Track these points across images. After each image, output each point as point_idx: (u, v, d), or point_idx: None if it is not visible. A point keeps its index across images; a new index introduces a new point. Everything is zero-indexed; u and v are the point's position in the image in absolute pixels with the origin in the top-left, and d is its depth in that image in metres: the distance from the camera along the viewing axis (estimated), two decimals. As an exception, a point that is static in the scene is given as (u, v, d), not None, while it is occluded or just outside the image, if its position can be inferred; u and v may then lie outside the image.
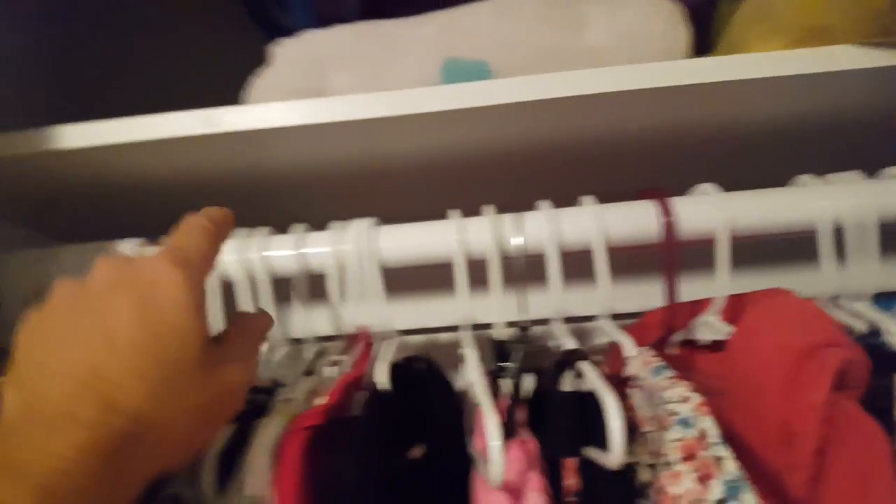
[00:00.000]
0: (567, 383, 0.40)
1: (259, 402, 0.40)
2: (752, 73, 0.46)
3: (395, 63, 0.47)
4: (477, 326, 0.47)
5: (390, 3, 0.50)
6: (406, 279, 0.51)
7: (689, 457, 0.31)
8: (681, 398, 0.33)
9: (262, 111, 0.46)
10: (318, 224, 0.50)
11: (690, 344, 0.48)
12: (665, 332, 0.49)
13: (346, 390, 0.39)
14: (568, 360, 0.41)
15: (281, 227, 0.50)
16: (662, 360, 0.38)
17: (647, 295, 0.63)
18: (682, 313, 0.49)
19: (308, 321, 0.48)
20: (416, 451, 0.44)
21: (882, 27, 0.43)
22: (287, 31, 0.50)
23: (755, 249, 0.54)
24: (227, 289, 0.48)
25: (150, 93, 0.80)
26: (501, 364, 0.42)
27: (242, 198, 0.63)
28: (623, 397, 0.41)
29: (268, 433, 0.34)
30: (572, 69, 0.45)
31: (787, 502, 0.31)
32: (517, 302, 0.47)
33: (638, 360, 0.40)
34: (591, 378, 0.37)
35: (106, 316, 0.27)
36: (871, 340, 0.39)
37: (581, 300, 0.47)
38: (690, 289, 0.47)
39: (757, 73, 0.46)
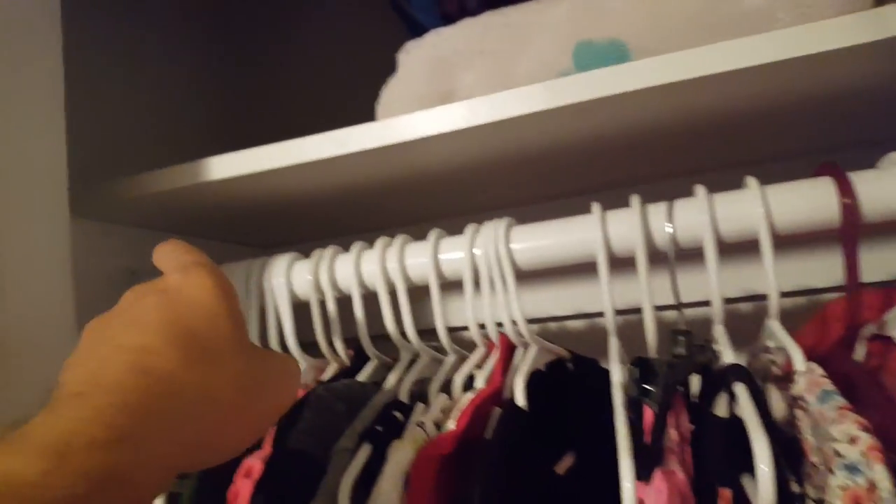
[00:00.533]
0: (723, 405, 0.36)
1: (397, 421, 0.40)
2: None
3: (524, 53, 0.44)
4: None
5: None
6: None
7: (856, 506, 0.26)
8: (848, 438, 0.28)
9: (383, 127, 0.46)
10: (449, 222, 0.49)
11: (884, 339, 0.41)
12: (851, 325, 0.42)
13: (479, 410, 0.38)
14: (724, 380, 0.36)
15: (411, 228, 0.50)
16: (832, 383, 0.32)
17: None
18: (872, 302, 0.42)
19: (445, 315, 0.48)
20: (564, 464, 0.43)
21: None
22: (422, 30, 0.50)
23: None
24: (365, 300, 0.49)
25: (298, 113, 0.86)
26: (646, 386, 0.38)
27: (373, 203, 0.65)
28: (791, 417, 0.36)
29: (398, 461, 0.34)
30: (725, 38, 0.39)
31: None
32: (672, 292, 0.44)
33: (805, 378, 0.34)
34: (747, 412, 0.33)
35: (134, 313, 0.29)
36: None
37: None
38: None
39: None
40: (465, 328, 0.48)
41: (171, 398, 0.25)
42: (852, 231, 0.40)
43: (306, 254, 0.52)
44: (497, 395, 0.41)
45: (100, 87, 0.63)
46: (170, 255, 0.33)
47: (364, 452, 0.37)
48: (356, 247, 0.50)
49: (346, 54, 0.85)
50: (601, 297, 0.43)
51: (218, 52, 0.85)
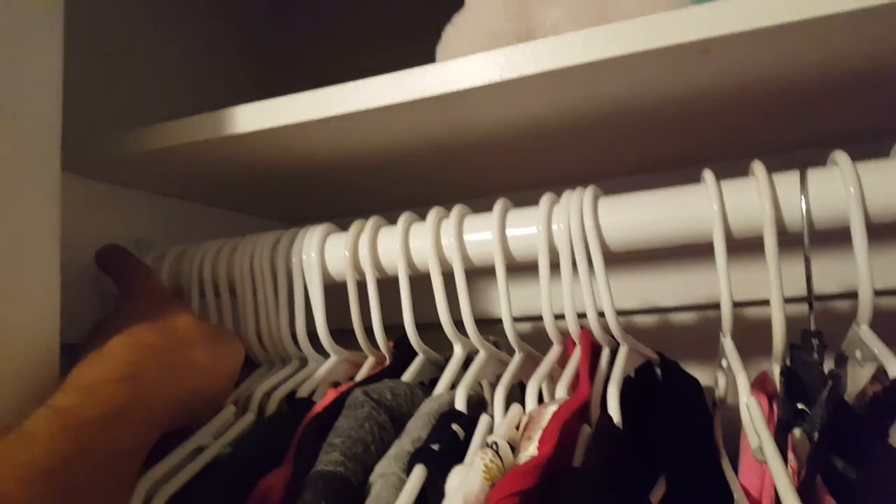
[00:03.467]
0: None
1: (457, 437, 0.32)
2: None
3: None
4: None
5: None
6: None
7: None
8: None
9: (443, 70, 0.38)
10: (514, 196, 0.41)
11: None
12: None
13: (566, 427, 0.29)
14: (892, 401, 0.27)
15: (469, 203, 0.42)
16: None
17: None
18: None
19: (516, 300, 0.40)
20: (658, 491, 0.34)
21: None
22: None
23: None
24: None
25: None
26: (799, 406, 0.29)
27: (425, 173, 0.56)
28: None
29: (464, 497, 0.25)
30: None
31: None
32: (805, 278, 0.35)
33: None
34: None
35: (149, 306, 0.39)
36: None
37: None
38: None
39: None
40: (533, 318, 0.40)
41: (157, 359, 0.34)
42: None
43: (344, 229, 0.44)
44: (585, 409, 0.32)
45: (119, 32, 0.55)
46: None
47: (416, 479, 0.29)
48: (405, 217, 0.42)
49: None
50: (719, 284, 0.34)
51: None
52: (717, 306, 0.35)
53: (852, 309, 0.33)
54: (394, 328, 0.43)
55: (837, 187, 0.33)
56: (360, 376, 0.43)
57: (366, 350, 0.44)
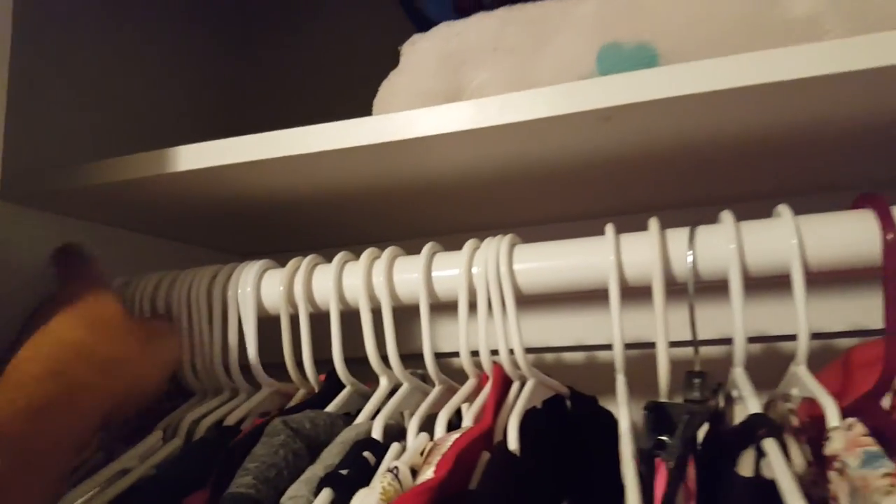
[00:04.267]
0: (748, 463, 0.30)
1: (367, 463, 0.34)
2: None
3: (543, 53, 0.40)
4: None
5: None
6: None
7: None
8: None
9: (379, 122, 0.41)
10: (449, 238, 0.44)
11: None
12: (886, 373, 0.37)
13: (464, 454, 0.32)
14: (750, 433, 0.31)
15: (406, 243, 0.45)
16: (877, 445, 0.27)
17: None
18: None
19: (436, 339, 0.43)
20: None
21: None
22: (431, 24, 0.45)
23: None
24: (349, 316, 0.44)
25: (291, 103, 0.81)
26: (662, 438, 0.33)
27: (365, 212, 0.60)
28: (823, 480, 0.31)
29: None
30: (768, 46, 0.35)
31: None
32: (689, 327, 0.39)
33: (843, 436, 0.29)
34: (780, 474, 0.27)
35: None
36: None
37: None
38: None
39: None
40: (455, 354, 0.42)
41: (84, 355, 0.36)
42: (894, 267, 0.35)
43: (285, 264, 0.47)
44: (487, 437, 0.35)
45: (77, 67, 0.57)
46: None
47: (322, 501, 0.31)
48: (339, 257, 0.45)
49: (346, 47, 0.81)
50: (611, 328, 0.38)
51: (204, 35, 0.79)
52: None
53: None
54: (326, 362, 0.46)
55: (721, 244, 0.37)
56: (288, 407, 0.45)
57: (297, 382, 0.47)
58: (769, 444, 0.30)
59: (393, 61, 0.47)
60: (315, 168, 0.46)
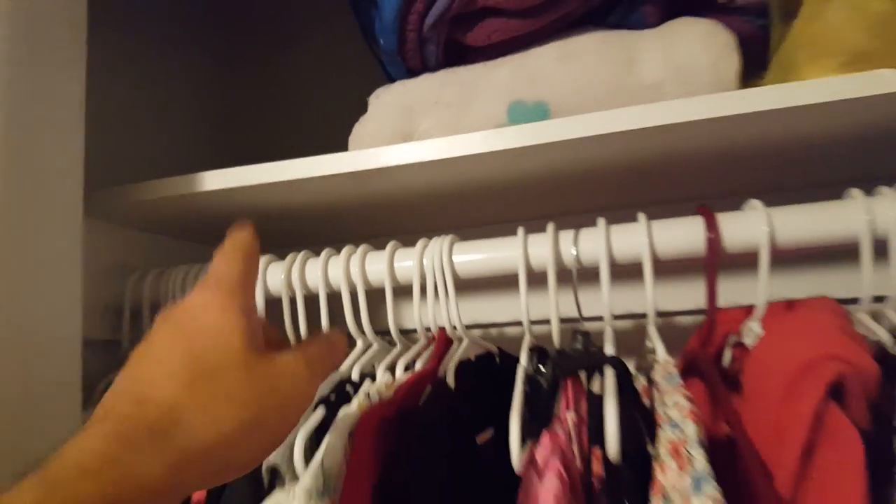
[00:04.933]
0: (597, 385, 0.47)
1: (348, 393, 0.50)
2: (800, 100, 0.49)
3: (470, 107, 0.56)
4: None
5: (470, 51, 0.58)
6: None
7: (674, 453, 0.37)
8: (675, 404, 0.39)
9: (353, 157, 0.57)
10: (407, 235, 0.60)
11: (742, 346, 0.52)
12: (718, 336, 0.54)
13: (414, 386, 0.48)
14: (598, 365, 0.47)
15: (374, 241, 0.61)
16: (675, 368, 0.44)
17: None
18: (737, 317, 0.53)
19: (397, 319, 0.59)
20: (485, 436, 0.53)
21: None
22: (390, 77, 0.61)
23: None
24: (332, 299, 0.59)
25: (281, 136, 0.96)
26: (541, 366, 0.49)
27: (344, 220, 0.75)
28: (650, 397, 0.47)
29: (345, 419, 0.44)
30: (629, 104, 0.51)
31: (776, 495, 0.36)
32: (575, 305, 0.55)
33: (661, 366, 0.45)
34: (606, 389, 0.44)
35: (153, 345, 0.32)
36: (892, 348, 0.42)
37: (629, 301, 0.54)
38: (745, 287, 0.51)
39: (806, 100, 0.49)
40: (414, 330, 0.58)
41: (169, 425, 0.28)
42: (714, 260, 0.51)
43: (285, 258, 0.62)
44: (431, 376, 0.51)
45: (111, 100, 0.72)
46: (214, 264, 0.35)
47: (318, 413, 0.47)
48: (325, 253, 0.60)
49: (336, 82, 0.96)
50: (520, 305, 0.54)
51: (220, 75, 0.95)
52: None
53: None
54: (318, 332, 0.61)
55: (599, 240, 0.53)
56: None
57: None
58: (607, 371, 0.46)
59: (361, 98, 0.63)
60: (309, 187, 0.61)
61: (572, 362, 0.49)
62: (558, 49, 0.55)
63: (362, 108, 0.62)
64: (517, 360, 0.61)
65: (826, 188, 0.52)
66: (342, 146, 0.60)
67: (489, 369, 0.58)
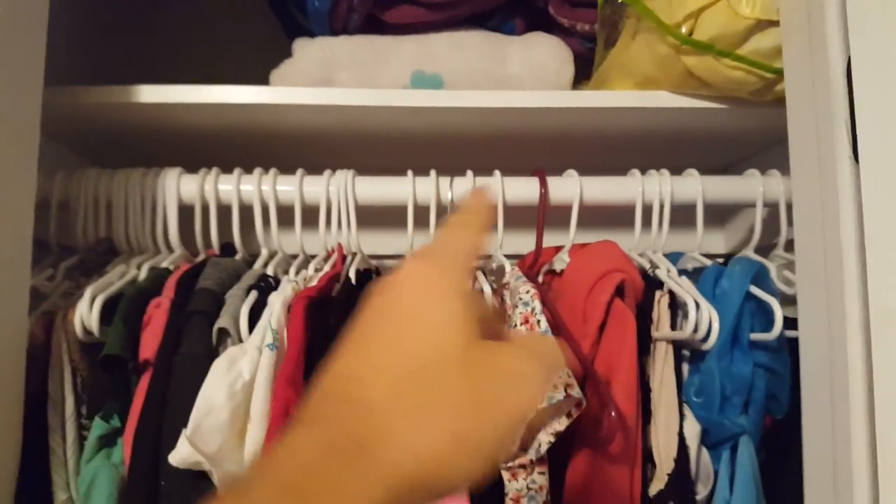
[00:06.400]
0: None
1: (271, 284, 0.62)
2: (601, 103, 0.72)
3: (382, 68, 0.70)
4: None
5: (384, 25, 0.72)
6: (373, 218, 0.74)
7: (525, 322, 0.57)
8: (526, 291, 0.59)
9: (292, 92, 0.68)
10: (319, 170, 0.72)
11: (552, 272, 0.74)
12: (531, 265, 0.75)
13: (329, 280, 0.62)
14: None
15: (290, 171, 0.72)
16: (522, 273, 0.64)
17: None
18: (551, 253, 0.75)
19: (304, 242, 0.71)
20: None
21: (688, 82, 0.69)
22: (304, 31, 0.72)
23: (603, 217, 0.80)
24: (245, 212, 0.69)
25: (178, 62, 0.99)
26: None
27: (265, 149, 0.84)
28: (501, 295, 0.66)
29: (284, 294, 0.56)
30: (498, 89, 0.69)
31: (581, 354, 0.57)
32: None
33: (511, 273, 0.65)
34: (480, 281, 0.62)
35: (361, 330, 0.28)
36: (650, 273, 0.66)
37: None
38: (560, 237, 0.73)
39: (604, 104, 0.72)
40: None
41: (371, 427, 0.24)
42: (544, 207, 0.72)
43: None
44: (338, 275, 0.65)
45: None
46: (442, 233, 0.31)
47: (253, 295, 0.58)
48: (237, 171, 0.70)
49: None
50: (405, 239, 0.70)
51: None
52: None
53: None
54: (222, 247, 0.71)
55: (468, 186, 0.71)
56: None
57: (202, 252, 0.71)
58: (479, 275, 0.65)
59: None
60: (233, 113, 0.70)
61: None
62: (452, 38, 0.72)
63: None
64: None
65: (622, 171, 0.76)
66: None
67: (373, 275, 0.73)
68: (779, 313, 0.57)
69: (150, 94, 0.67)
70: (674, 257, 0.73)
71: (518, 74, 0.73)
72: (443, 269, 0.29)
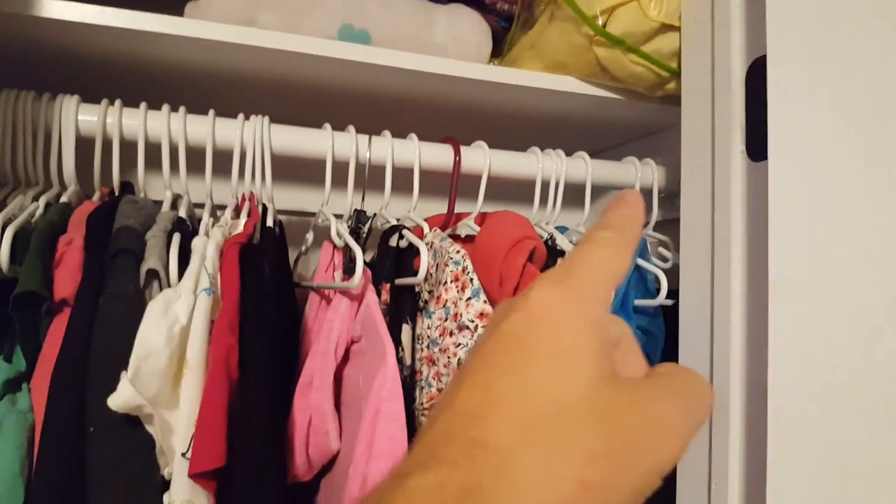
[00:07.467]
0: (393, 241, 0.68)
1: (188, 227, 0.60)
2: (518, 81, 0.77)
3: (308, 16, 0.69)
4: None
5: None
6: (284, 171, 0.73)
7: (455, 279, 0.61)
8: (455, 250, 0.63)
9: (216, 29, 0.65)
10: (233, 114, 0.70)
11: (456, 237, 0.78)
12: (443, 228, 0.79)
13: (253, 229, 0.61)
14: (395, 229, 0.68)
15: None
16: (448, 236, 0.68)
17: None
18: (453, 218, 0.79)
19: (214, 192, 0.68)
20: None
21: (595, 72, 0.76)
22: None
23: (506, 191, 0.86)
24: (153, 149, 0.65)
25: None
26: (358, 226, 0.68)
27: (181, 86, 0.78)
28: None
29: (216, 240, 0.55)
30: (422, 53, 0.71)
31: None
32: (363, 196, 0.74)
33: (433, 234, 0.69)
34: (412, 238, 0.65)
35: (482, 360, 0.26)
36: (549, 243, 0.73)
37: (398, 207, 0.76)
38: (465, 205, 0.77)
39: (521, 82, 0.77)
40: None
41: (500, 475, 0.22)
42: (457, 174, 0.76)
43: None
44: (257, 224, 0.64)
45: None
46: (581, 248, 0.28)
47: (177, 238, 0.56)
48: (143, 105, 0.65)
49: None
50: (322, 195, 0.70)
51: None
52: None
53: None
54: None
55: (386, 145, 0.72)
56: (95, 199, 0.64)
57: (97, 187, 0.66)
58: (406, 232, 0.67)
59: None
60: (139, 41, 0.65)
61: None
62: (382, -4, 0.73)
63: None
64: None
65: (519, 148, 0.82)
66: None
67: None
68: (664, 283, 0.67)
69: (52, 8, 0.60)
70: (560, 231, 0.81)
71: (443, 43, 0.76)
72: (581, 299, 0.26)
